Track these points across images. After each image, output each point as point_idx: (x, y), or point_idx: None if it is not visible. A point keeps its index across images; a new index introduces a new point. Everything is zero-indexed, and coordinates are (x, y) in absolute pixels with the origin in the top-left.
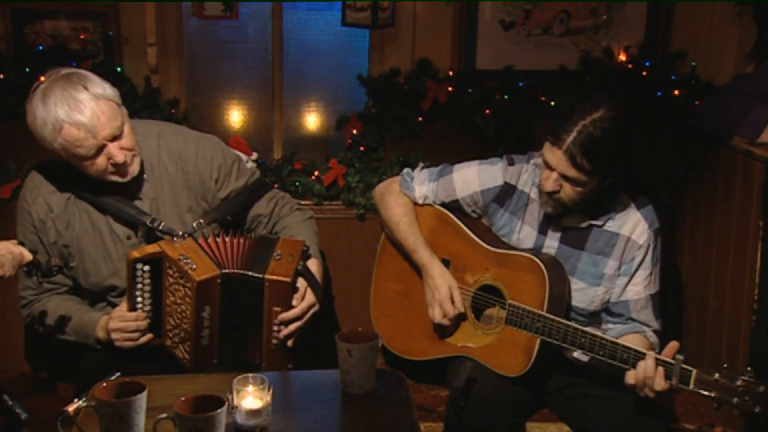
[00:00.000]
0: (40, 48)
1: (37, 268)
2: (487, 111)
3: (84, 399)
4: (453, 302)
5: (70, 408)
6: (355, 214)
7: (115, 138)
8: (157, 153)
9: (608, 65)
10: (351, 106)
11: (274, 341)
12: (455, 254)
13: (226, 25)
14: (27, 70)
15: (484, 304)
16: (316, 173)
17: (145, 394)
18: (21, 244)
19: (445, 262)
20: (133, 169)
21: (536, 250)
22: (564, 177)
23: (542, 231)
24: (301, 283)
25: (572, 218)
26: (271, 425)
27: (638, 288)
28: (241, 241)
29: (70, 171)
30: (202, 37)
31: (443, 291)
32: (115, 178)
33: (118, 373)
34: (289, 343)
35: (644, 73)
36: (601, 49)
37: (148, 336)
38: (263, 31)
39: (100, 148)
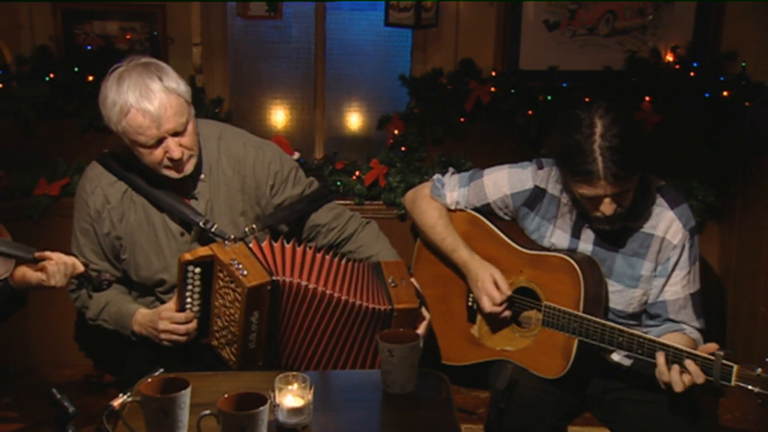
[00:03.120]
0: (89, 48)
1: (87, 280)
2: (530, 112)
3: (129, 394)
4: (498, 287)
5: (116, 403)
6: (396, 214)
7: (176, 134)
8: (216, 155)
9: (655, 66)
10: (393, 107)
11: None
12: (489, 257)
13: (270, 26)
14: (76, 69)
15: (521, 307)
16: (357, 173)
17: (188, 390)
18: (74, 255)
19: None
20: (188, 169)
21: (570, 251)
22: (614, 195)
23: (575, 234)
24: (423, 312)
25: None
26: (312, 424)
27: (676, 288)
28: (303, 250)
29: (129, 165)
30: (246, 37)
31: (486, 280)
32: (168, 172)
33: (162, 369)
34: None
35: (692, 74)
36: (648, 49)
37: (192, 335)
38: (306, 31)
39: (160, 140)
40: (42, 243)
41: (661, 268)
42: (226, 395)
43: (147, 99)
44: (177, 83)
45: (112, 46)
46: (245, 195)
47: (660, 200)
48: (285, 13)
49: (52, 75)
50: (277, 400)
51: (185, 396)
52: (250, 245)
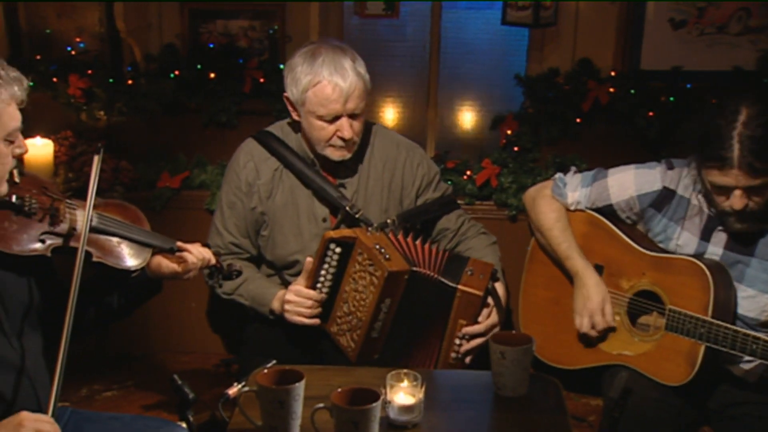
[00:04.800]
0: (211, 46)
1: (218, 271)
2: (651, 113)
3: (244, 383)
4: (603, 315)
5: (231, 391)
6: (507, 215)
7: (353, 115)
8: (371, 149)
9: None
10: (506, 106)
11: (453, 354)
12: (609, 259)
13: (386, 24)
14: (199, 67)
15: (640, 310)
16: (468, 173)
17: (303, 382)
18: (206, 246)
19: (599, 268)
20: (350, 153)
21: (697, 255)
22: (747, 189)
23: (705, 238)
24: (489, 301)
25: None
26: (422, 422)
27: None
28: (432, 248)
29: (284, 144)
30: (362, 35)
31: (596, 302)
32: (330, 151)
33: (274, 361)
34: (468, 359)
35: None
36: None
37: (315, 320)
38: (422, 30)
39: (337, 117)
40: (163, 233)
41: None
42: (339, 389)
43: (340, 75)
44: (364, 70)
45: (234, 44)
46: (391, 193)
47: None
48: (401, 12)
49: (177, 72)
50: (389, 397)
51: (300, 388)
52: (390, 236)
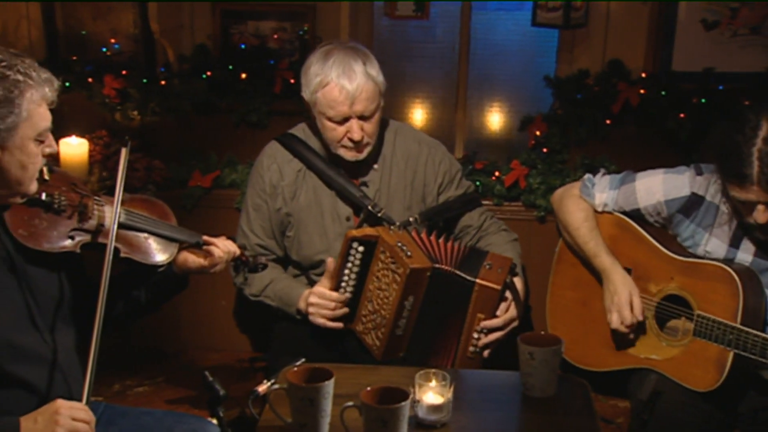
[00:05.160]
0: (242, 47)
1: (244, 263)
2: (682, 115)
3: (274, 381)
4: (632, 309)
5: (260, 388)
6: (535, 216)
7: (363, 117)
8: (392, 147)
9: None
10: (535, 108)
11: (471, 348)
12: (637, 263)
13: (416, 25)
14: (230, 67)
15: (669, 315)
16: (497, 173)
17: (332, 380)
18: (232, 239)
19: (627, 271)
20: (362, 154)
21: (727, 260)
22: None
23: (734, 244)
24: (507, 295)
25: None
26: (451, 422)
27: None
28: (453, 244)
29: (306, 146)
30: (392, 36)
31: (623, 296)
32: (343, 151)
33: (303, 359)
34: (486, 353)
35: None
36: None
37: (338, 324)
38: (451, 31)
39: (346, 119)
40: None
41: None
42: (368, 388)
43: (347, 77)
44: (377, 72)
45: (265, 45)
46: (413, 190)
47: None
48: (431, 13)
49: (209, 73)
50: (417, 396)
51: (329, 386)
52: (412, 234)
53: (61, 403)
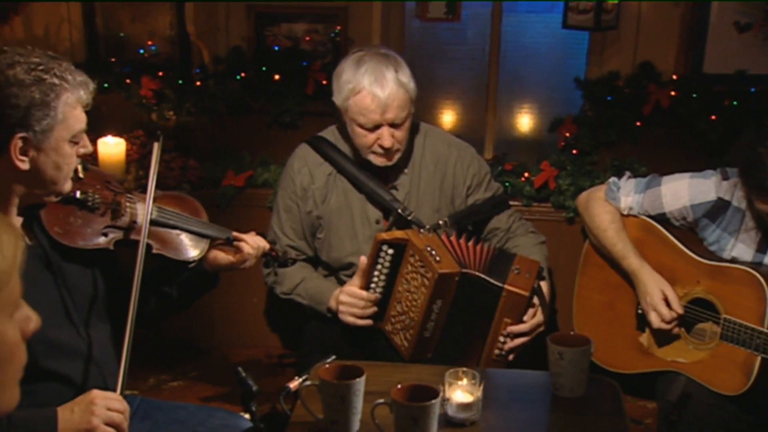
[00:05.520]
0: (276, 48)
1: (274, 258)
2: (713, 117)
3: (305, 377)
4: (668, 304)
5: (292, 384)
6: (564, 217)
7: (394, 125)
8: (421, 151)
9: None
10: (565, 109)
11: (497, 351)
12: (663, 266)
13: (447, 27)
14: (264, 69)
15: (695, 318)
16: (526, 174)
17: (363, 378)
18: (261, 235)
19: None
20: (392, 161)
21: (754, 264)
22: None
23: (761, 249)
24: (535, 301)
25: None
26: (480, 420)
27: None
28: (482, 247)
29: (336, 149)
30: (423, 38)
31: (656, 294)
32: (373, 157)
33: (334, 356)
34: (510, 357)
35: None
36: None
37: (368, 321)
38: (482, 33)
39: (377, 126)
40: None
41: None
42: (399, 386)
43: (380, 85)
44: (408, 79)
45: (298, 46)
46: (442, 193)
47: None
48: (462, 15)
49: (243, 74)
50: (447, 395)
51: (361, 383)
52: (442, 237)
53: (96, 394)
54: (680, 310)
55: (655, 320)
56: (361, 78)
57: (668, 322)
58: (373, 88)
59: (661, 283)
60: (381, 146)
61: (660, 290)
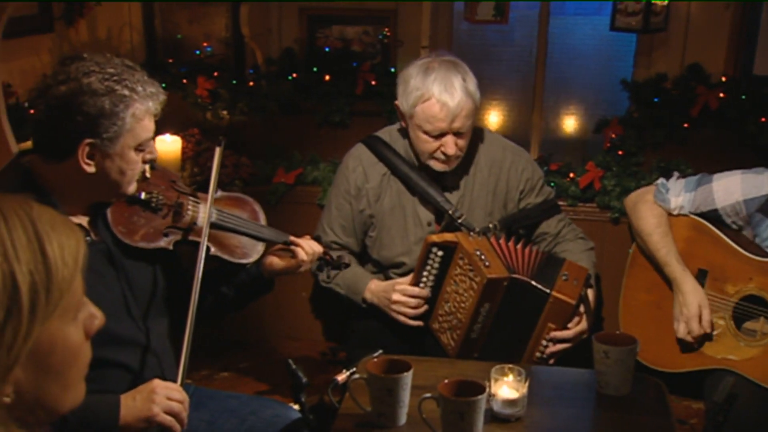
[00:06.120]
0: (327, 50)
1: (328, 263)
2: (763, 119)
3: (353, 371)
4: (701, 321)
5: (340, 377)
6: (609, 218)
7: (458, 133)
8: (477, 154)
9: None
10: (610, 111)
11: (538, 354)
12: (714, 264)
13: (494, 29)
14: (315, 70)
15: (747, 315)
16: (571, 175)
17: (411, 372)
18: (317, 239)
19: (703, 273)
20: (451, 166)
21: None
22: None
23: None
24: (581, 309)
25: None
26: (525, 416)
27: None
28: (530, 251)
29: (392, 150)
30: (470, 40)
31: (693, 308)
32: (433, 163)
33: (381, 351)
34: (551, 361)
35: None
36: None
37: (419, 322)
38: (529, 35)
39: (443, 134)
40: (277, 226)
41: None
42: (446, 381)
43: (449, 94)
44: (474, 88)
45: (348, 48)
46: (495, 197)
47: None
48: (510, 17)
49: (294, 75)
50: (493, 390)
51: (408, 377)
52: (491, 240)
53: (157, 383)
54: (709, 331)
55: (682, 332)
56: (430, 86)
57: (694, 338)
58: (442, 97)
59: (700, 298)
60: (444, 153)
61: (698, 306)
